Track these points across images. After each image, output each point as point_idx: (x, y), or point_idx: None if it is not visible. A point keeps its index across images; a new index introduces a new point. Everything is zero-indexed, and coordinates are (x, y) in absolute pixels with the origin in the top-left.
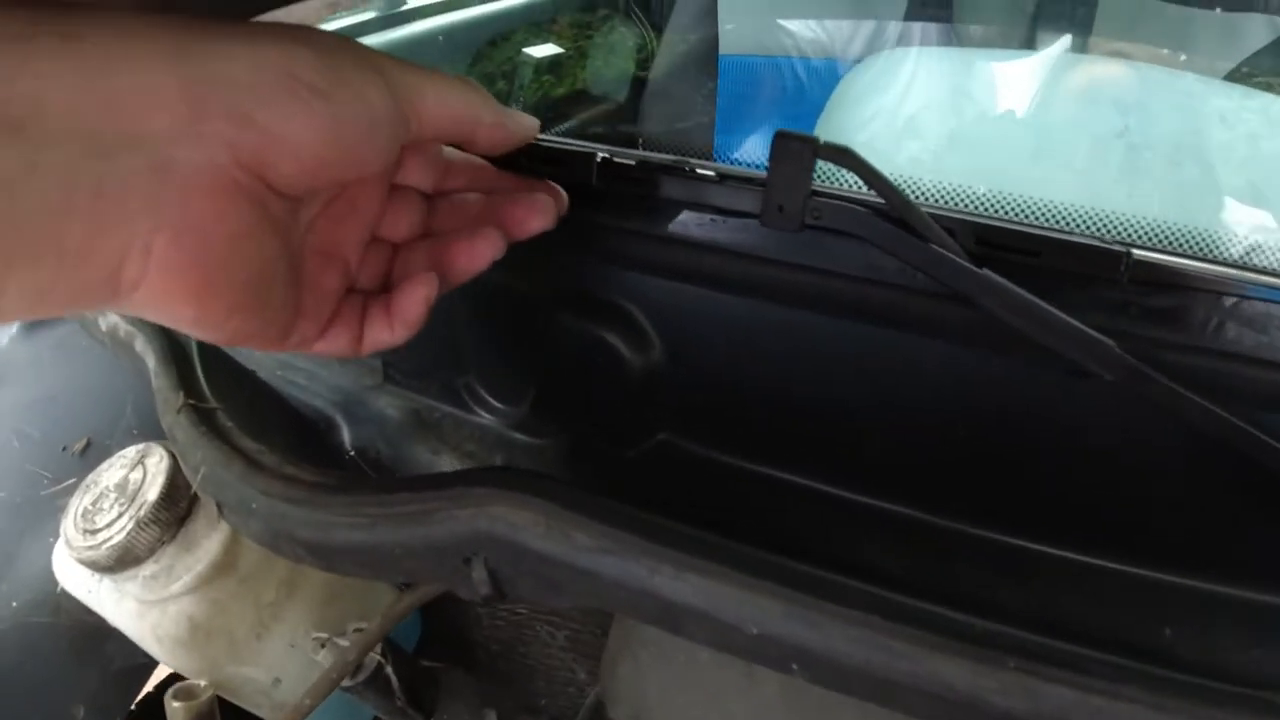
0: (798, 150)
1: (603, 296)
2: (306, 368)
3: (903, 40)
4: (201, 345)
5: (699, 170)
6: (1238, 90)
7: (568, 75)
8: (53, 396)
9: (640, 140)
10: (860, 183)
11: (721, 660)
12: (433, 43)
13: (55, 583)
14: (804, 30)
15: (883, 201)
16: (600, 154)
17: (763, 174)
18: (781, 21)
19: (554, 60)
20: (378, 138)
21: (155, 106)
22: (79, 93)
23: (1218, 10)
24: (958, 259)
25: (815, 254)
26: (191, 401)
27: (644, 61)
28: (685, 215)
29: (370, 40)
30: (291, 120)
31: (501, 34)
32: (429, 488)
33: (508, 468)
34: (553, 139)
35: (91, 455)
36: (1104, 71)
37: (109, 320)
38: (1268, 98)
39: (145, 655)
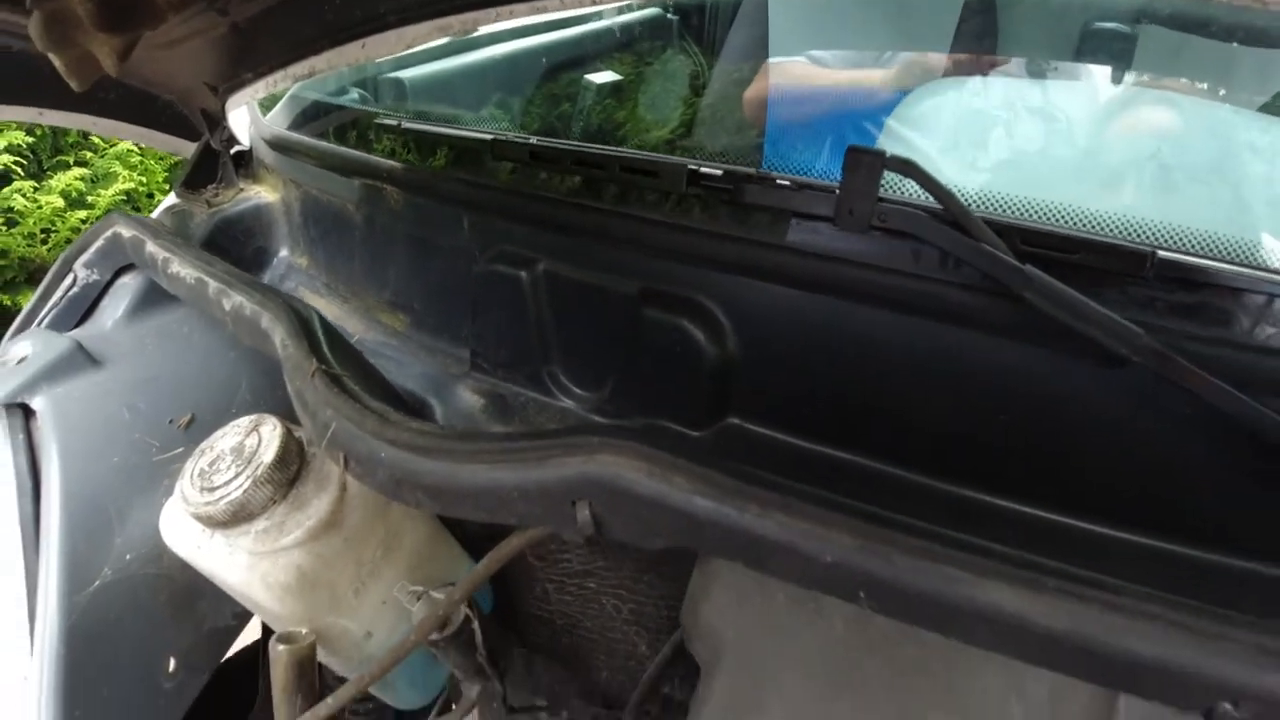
0: (869, 162)
1: (684, 294)
2: (396, 356)
3: (948, 70)
4: (323, 322)
5: (778, 180)
6: (1263, 118)
7: (628, 99)
8: (156, 377)
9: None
10: (920, 192)
11: (794, 600)
12: (500, 67)
13: (161, 542)
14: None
15: (940, 207)
16: (690, 165)
17: (834, 183)
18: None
19: (615, 85)
20: None
21: None
22: None
23: (1249, 46)
24: (1005, 256)
25: (878, 254)
26: (322, 367)
27: (698, 86)
28: (762, 219)
29: (444, 65)
30: None
31: (564, 60)
32: (544, 437)
33: (614, 425)
34: (640, 153)
35: (195, 430)
36: (1139, 102)
37: (233, 300)
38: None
39: (234, 618)
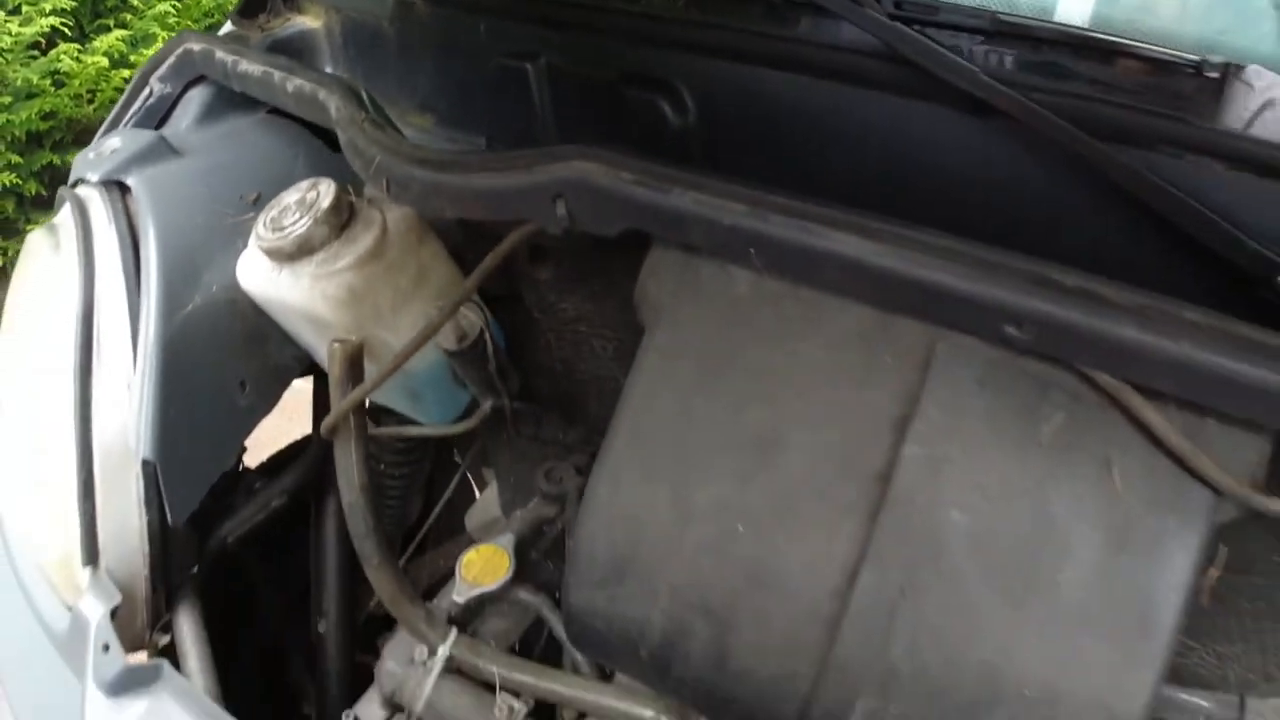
0: None
1: (657, 75)
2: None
3: None
4: (367, 92)
5: None
6: None
7: None
8: (226, 165)
9: None
10: None
11: (711, 273)
12: None
13: (238, 286)
14: None
15: None
16: None
17: None
18: None
19: None
20: None
21: None
22: None
23: None
24: (878, 15)
25: (796, 29)
26: (369, 117)
27: None
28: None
29: None
30: None
31: None
32: (534, 152)
33: (587, 146)
34: None
35: (260, 204)
36: None
37: (295, 83)
38: None
39: (294, 360)
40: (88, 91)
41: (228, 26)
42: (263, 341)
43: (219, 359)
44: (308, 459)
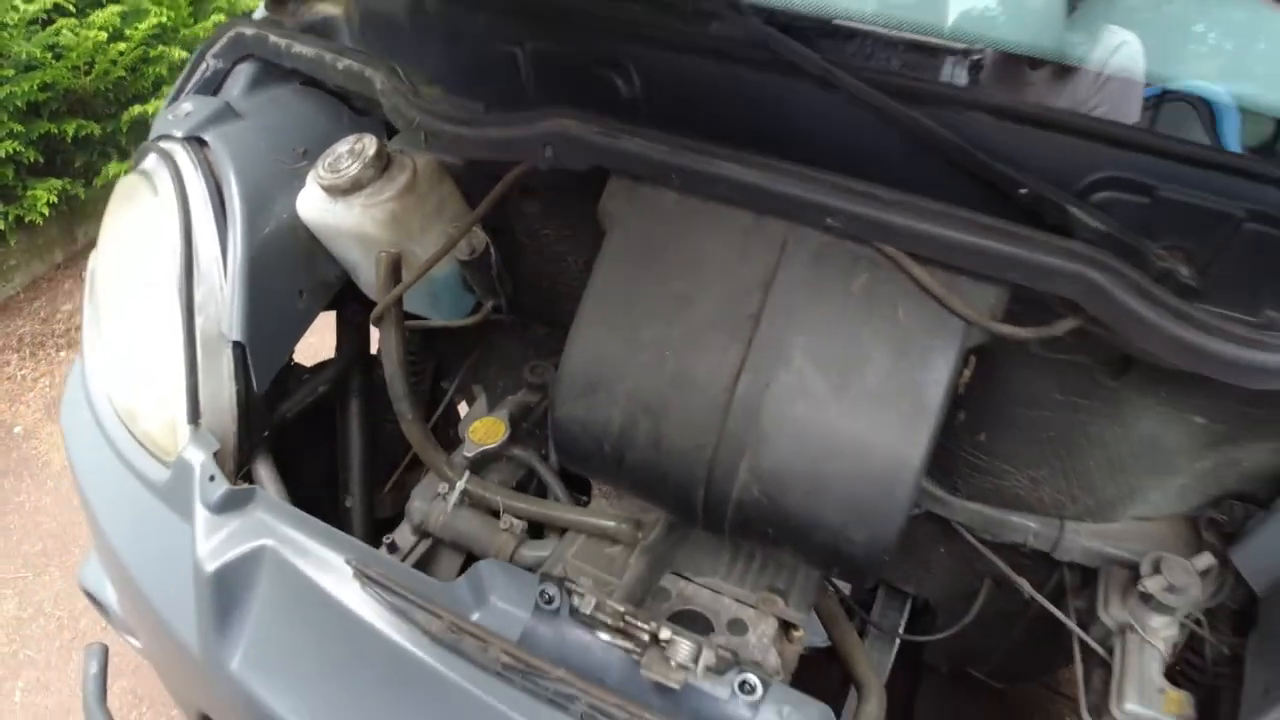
0: None
1: (613, 57)
2: None
3: None
4: (405, 69)
5: None
6: None
7: None
8: (277, 125)
9: None
10: None
11: (648, 194)
12: None
13: (297, 217)
14: None
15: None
16: None
17: None
18: None
19: None
20: None
21: None
22: None
23: None
24: (758, 22)
25: (712, 29)
26: (409, 84)
27: None
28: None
29: None
30: None
31: None
32: (528, 113)
33: (564, 109)
34: None
35: (310, 156)
36: None
37: (344, 62)
38: None
39: (335, 278)
40: (85, 63)
41: (260, 11)
42: (314, 260)
43: (286, 271)
44: (340, 360)
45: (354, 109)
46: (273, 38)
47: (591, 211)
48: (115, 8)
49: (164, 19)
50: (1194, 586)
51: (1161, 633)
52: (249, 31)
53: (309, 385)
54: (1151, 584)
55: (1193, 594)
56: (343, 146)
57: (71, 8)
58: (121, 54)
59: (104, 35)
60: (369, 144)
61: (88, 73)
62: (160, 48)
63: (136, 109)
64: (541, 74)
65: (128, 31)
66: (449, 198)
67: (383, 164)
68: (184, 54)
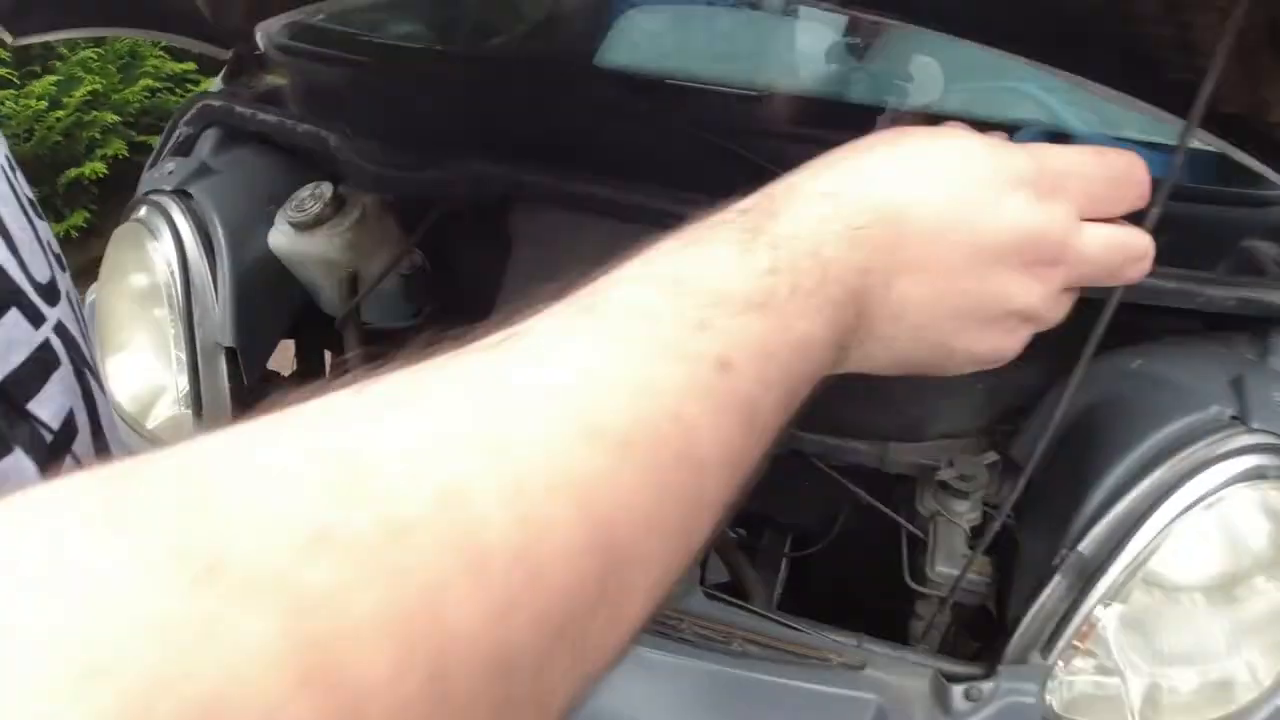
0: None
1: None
2: None
3: None
4: (349, 135)
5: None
6: None
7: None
8: (247, 179)
9: None
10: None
11: (548, 214)
12: None
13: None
14: None
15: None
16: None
17: None
18: None
19: None
20: None
21: None
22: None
23: None
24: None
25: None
26: (355, 144)
27: None
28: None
29: None
30: None
31: None
32: (451, 157)
33: (480, 155)
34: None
35: (275, 202)
36: None
37: (303, 128)
38: None
39: (300, 298)
40: (24, 130)
41: (218, 84)
42: (286, 283)
43: (264, 292)
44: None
45: (306, 161)
46: (237, 108)
47: (504, 229)
48: (51, 77)
49: (97, 85)
50: (981, 474)
51: (965, 516)
52: (215, 103)
53: (281, 388)
54: (946, 473)
55: (981, 480)
56: (305, 191)
57: (15, 79)
58: (59, 119)
59: (43, 104)
60: (326, 188)
61: (27, 140)
62: (93, 113)
63: (73, 171)
64: (456, 126)
65: (64, 99)
66: (391, 226)
67: (338, 203)
68: (115, 117)
